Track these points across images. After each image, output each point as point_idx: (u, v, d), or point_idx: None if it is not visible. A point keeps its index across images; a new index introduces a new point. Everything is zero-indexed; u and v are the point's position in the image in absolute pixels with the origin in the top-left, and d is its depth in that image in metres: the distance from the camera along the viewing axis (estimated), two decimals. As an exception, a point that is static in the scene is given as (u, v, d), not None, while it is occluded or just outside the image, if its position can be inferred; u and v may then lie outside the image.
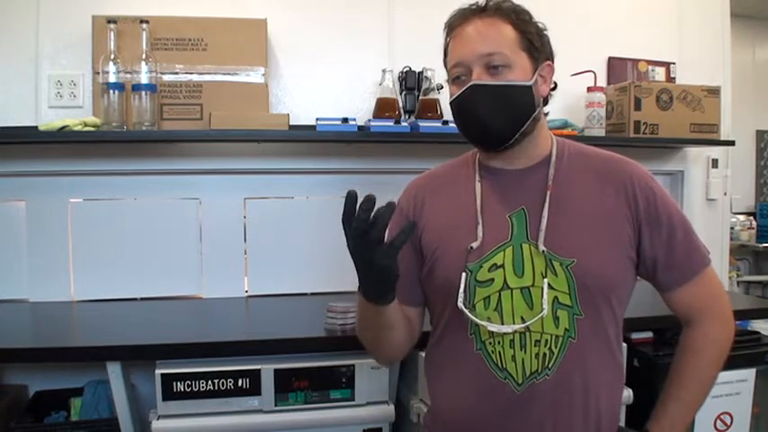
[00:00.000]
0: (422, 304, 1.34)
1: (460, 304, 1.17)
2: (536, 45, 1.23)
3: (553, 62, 1.27)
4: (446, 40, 1.28)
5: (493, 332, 1.16)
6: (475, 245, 1.20)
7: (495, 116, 1.19)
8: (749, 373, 2.09)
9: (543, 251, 1.17)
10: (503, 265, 1.18)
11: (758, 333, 2.23)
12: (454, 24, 1.25)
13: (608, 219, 1.20)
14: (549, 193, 1.22)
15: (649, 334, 2.11)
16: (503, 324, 1.16)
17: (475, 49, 1.19)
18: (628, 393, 1.87)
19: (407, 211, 1.33)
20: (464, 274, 1.19)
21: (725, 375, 1.92)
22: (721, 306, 1.27)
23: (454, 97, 1.23)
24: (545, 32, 1.26)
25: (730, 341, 1.26)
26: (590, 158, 1.28)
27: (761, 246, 4.99)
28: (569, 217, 1.20)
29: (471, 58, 1.19)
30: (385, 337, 1.29)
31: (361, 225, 1.03)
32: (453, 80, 1.24)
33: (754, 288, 4.95)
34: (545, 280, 1.15)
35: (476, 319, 1.17)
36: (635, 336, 2.08)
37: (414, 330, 1.34)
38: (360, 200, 1.02)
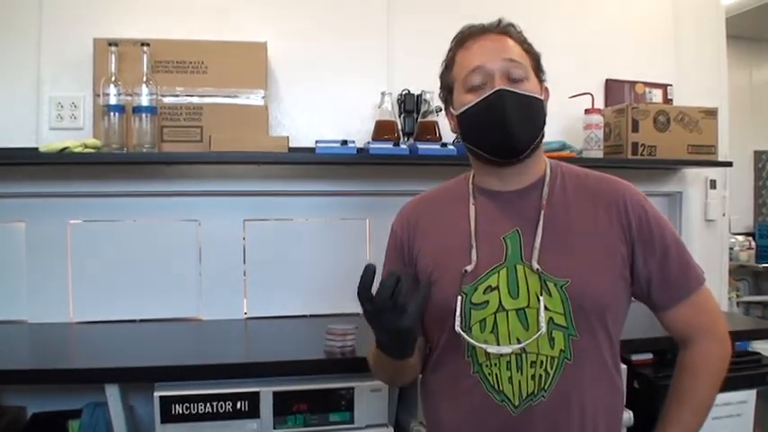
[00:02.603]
0: None
1: (458, 328, 1.17)
2: (540, 67, 1.27)
3: None
4: (452, 52, 1.29)
5: (490, 354, 1.16)
6: (469, 268, 1.20)
7: (519, 123, 1.19)
8: (750, 395, 2.07)
9: (537, 269, 1.17)
10: (497, 287, 1.18)
11: (759, 354, 2.22)
12: (467, 37, 1.26)
13: (601, 239, 1.20)
14: (543, 212, 1.22)
15: (649, 355, 2.10)
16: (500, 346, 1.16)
17: (498, 56, 1.21)
18: (628, 416, 1.85)
19: (402, 235, 1.35)
20: (459, 298, 1.19)
21: (726, 397, 1.90)
22: (717, 325, 1.27)
23: (477, 101, 1.21)
24: None
25: (727, 361, 1.26)
26: (583, 179, 1.29)
27: (760, 266, 4.99)
28: (563, 237, 1.20)
29: (495, 65, 1.20)
30: (401, 374, 1.33)
31: (386, 304, 1.07)
32: (469, 89, 1.23)
33: (754, 308, 4.95)
34: (541, 299, 1.15)
35: (473, 342, 1.17)
36: (635, 357, 2.07)
37: (424, 351, 1.34)
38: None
